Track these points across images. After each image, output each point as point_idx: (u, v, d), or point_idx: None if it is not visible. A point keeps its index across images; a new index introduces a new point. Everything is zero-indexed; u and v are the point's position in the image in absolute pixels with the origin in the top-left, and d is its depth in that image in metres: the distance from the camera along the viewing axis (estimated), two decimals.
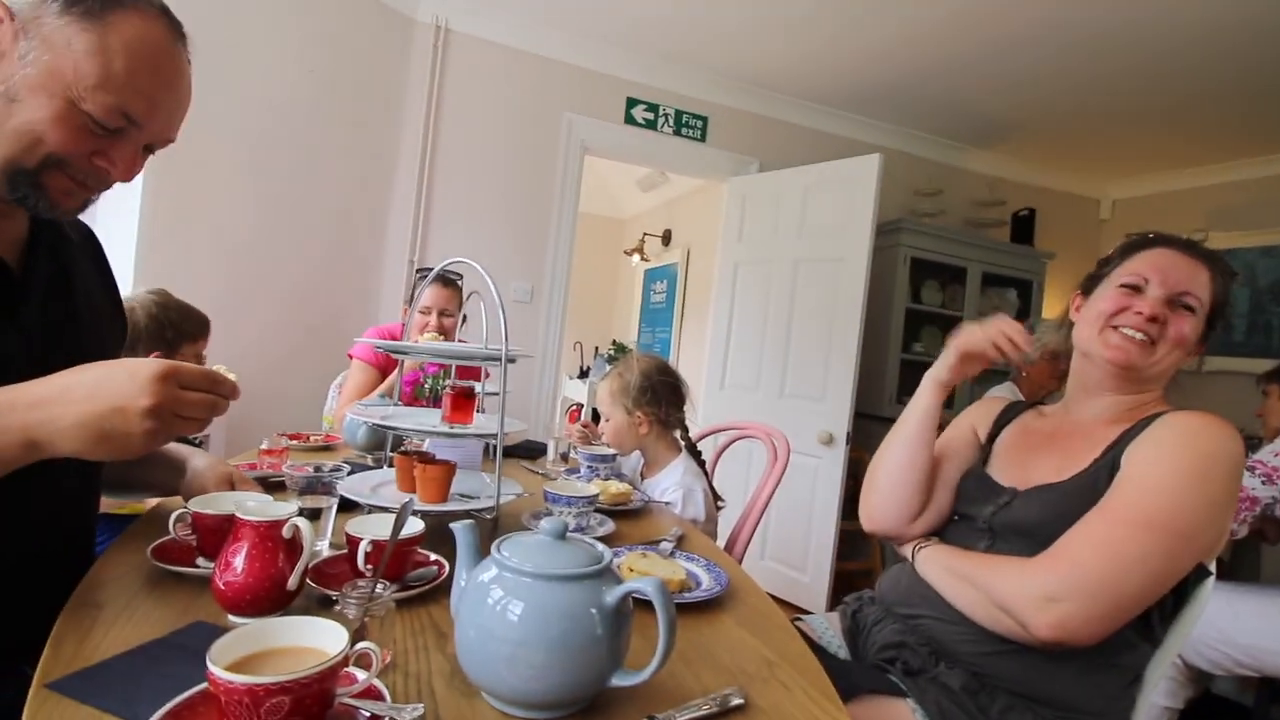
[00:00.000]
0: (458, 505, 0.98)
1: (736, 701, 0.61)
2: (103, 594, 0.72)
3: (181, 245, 2.21)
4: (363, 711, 0.51)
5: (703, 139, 3.32)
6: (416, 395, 1.75)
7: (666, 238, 5.29)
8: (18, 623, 0.71)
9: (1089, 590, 0.78)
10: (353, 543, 0.77)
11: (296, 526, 0.69)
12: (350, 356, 2.12)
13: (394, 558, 0.75)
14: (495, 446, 1.01)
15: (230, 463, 1.00)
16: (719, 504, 1.63)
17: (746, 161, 3.39)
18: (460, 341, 1.95)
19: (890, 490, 1.06)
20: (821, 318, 2.95)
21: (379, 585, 0.63)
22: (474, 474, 1.18)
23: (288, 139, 2.47)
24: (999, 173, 3.95)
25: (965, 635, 0.91)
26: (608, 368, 1.82)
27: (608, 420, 1.64)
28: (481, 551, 0.64)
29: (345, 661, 0.48)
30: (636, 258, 5.59)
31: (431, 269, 1.33)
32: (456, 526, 0.65)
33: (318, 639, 0.51)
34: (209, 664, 0.44)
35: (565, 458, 1.77)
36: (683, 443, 1.66)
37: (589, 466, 1.45)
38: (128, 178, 0.72)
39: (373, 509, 0.95)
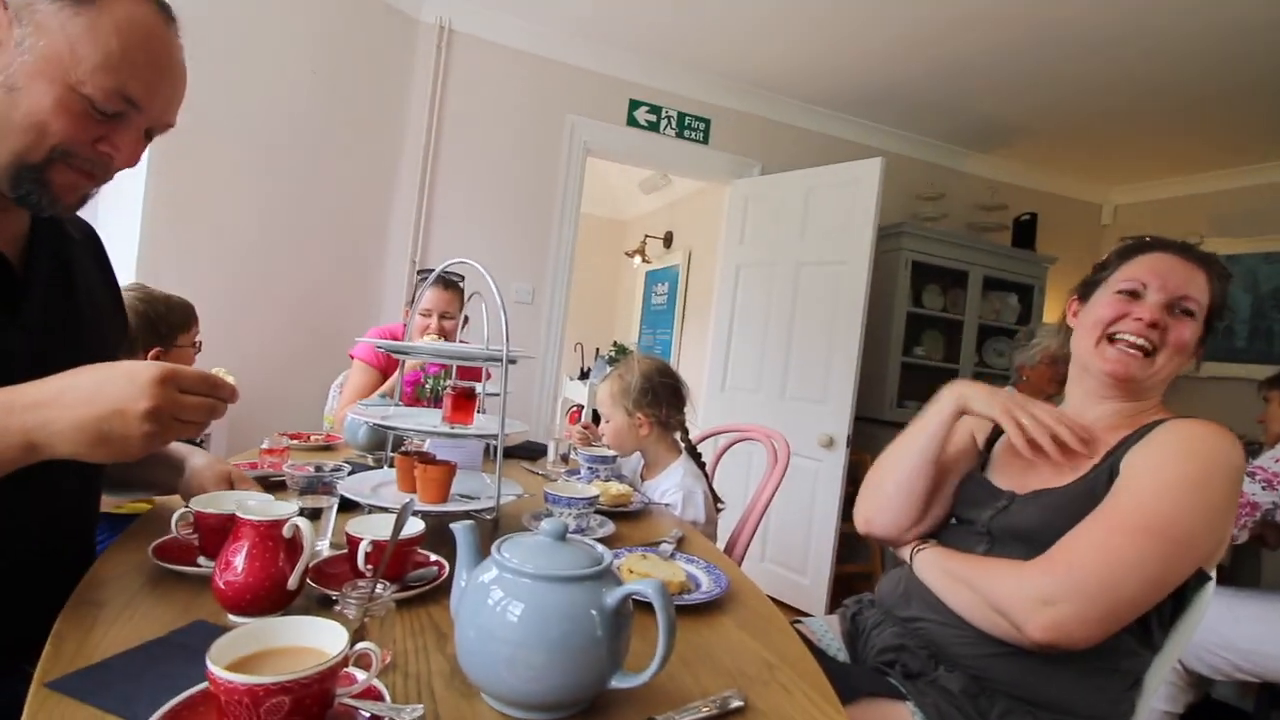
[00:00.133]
0: (458, 506, 0.98)
1: (736, 704, 0.61)
2: (103, 593, 0.72)
3: (183, 244, 2.22)
4: (363, 712, 0.51)
5: (705, 141, 3.32)
6: (418, 396, 1.75)
7: (668, 240, 5.30)
8: (19, 622, 0.71)
9: (1084, 593, 0.78)
10: (353, 543, 0.77)
11: (297, 526, 0.69)
12: (351, 357, 2.13)
13: (394, 558, 0.75)
14: (495, 447, 1.01)
15: (230, 462, 1.00)
16: (719, 506, 1.63)
17: (749, 164, 3.40)
18: (461, 343, 1.95)
19: (895, 497, 1.05)
20: (823, 321, 2.95)
21: (379, 585, 0.63)
22: (474, 474, 1.18)
23: (290, 139, 2.48)
24: (1001, 177, 3.95)
25: (964, 638, 0.91)
26: (608, 369, 1.82)
27: (608, 421, 1.64)
28: (482, 552, 0.64)
29: (345, 662, 0.48)
30: (638, 259, 5.59)
31: (433, 270, 1.33)
32: (457, 527, 0.65)
33: (318, 639, 0.51)
34: (209, 664, 0.44)
35: (565, 459, 1.77)
36: (683, 445, 1.66)
37: (589, 468, 1.45)
38: (131, 162, 0.73)
39: (373, 509, 0.95)
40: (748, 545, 1.56)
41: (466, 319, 2.17)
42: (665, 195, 5.26)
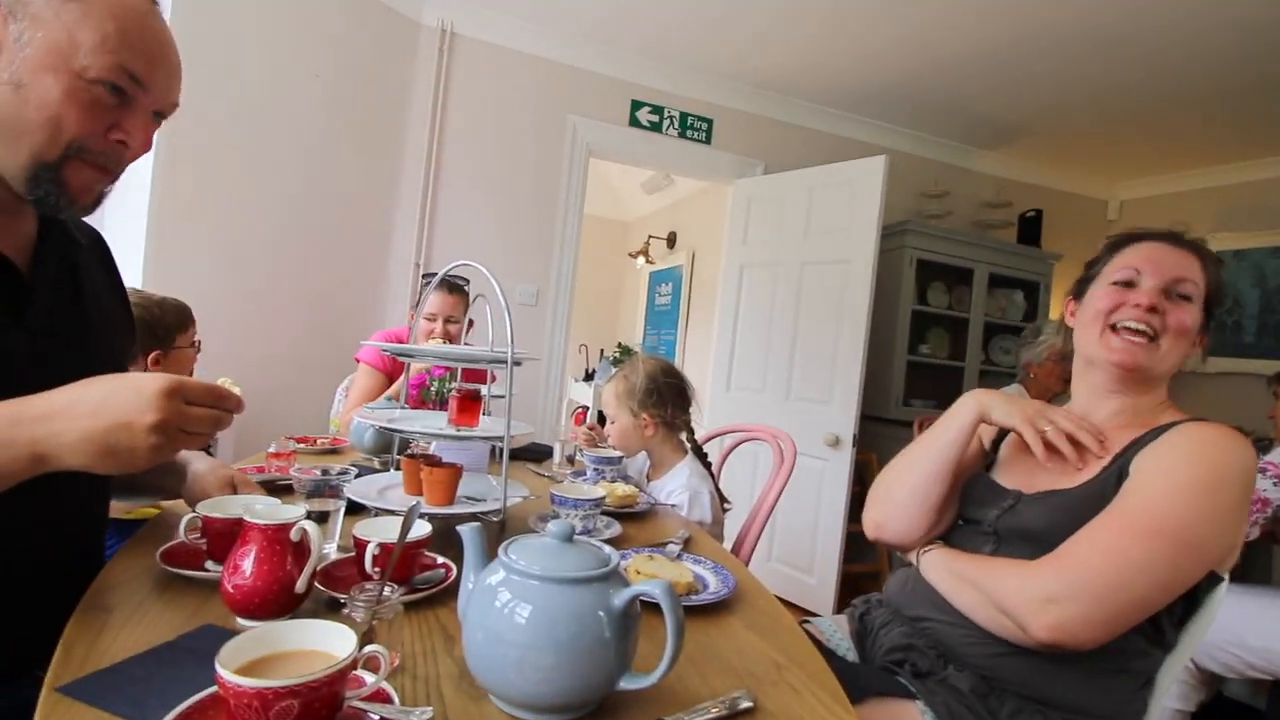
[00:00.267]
0: (464, 508, 0.98)
1: (745, 704, 0.61)
2: (112, 598, 0.72)
3: (189, 249, 2.23)
4: (372, 715, 0.51)
5: (708, 141, 3.32)
6: (423, 399, 1.75)
7: (671, 240, 5.30)
8: (30, 627, 0.71)
9: (1091, 594, 0.77)
10: (360, 545, 0.77)
11: (304, 530, 0.69)
12: (357, 360, 2.13)
13: (401, 560, 0.75)
14: (501, 449, 1.01)
15: (236, 466, 1.01)
16: (725, 506, 1.62)
17: (752, 163, 3.39)
18: (466, 345, 1.95)
19: (907, 506, 1.03)
20: (827, 320, 2.95)
21: (387, 588, 0.63)
22: (480, 476, 1.18)
23: (294, 143, 2.49)
24: (1006, 174, 3.94)
25: (972, 638, 0.90)
26: (613, 370, 1.82)
27: (613, 422, 1.63)
28: (489, 554, 0.64)
29: (354, 665, 0.48)
30: (641, 260, 5.59)
31: (436, 273, 1.33)
32: (464, 529, 0.65)
33: (326, 642, 0.51)
34: (218, 667, 0.44)
35: (571, 460, 1.76)
36: (688, 445, 1.66)
37: (595, 469, 1.45)
38: (145, 148, 0.74)
39: (380, 512, 0.95)
40: (754, 545, 1.56)
41: (471, 322, 2.18)
42: (668, 195, 5.26)
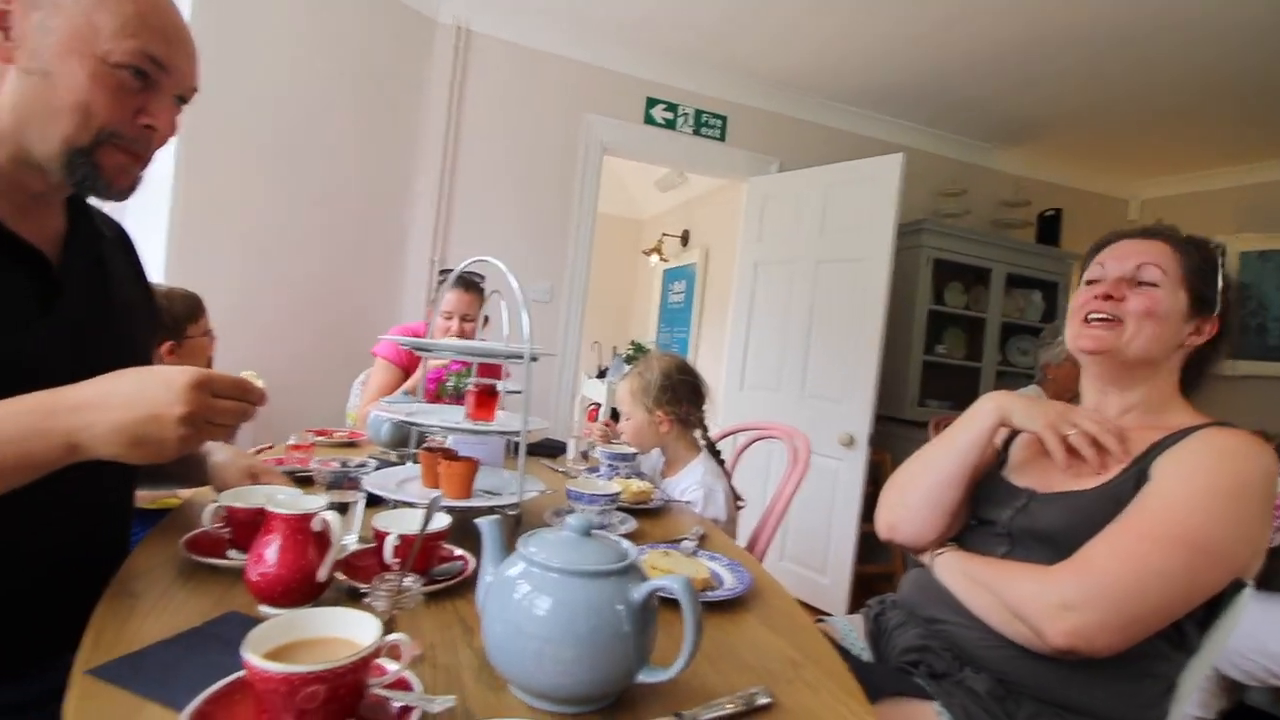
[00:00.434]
0: (481, 501, 0.99)
1: (763, 701, 0.61)
2: (139, 584, 0.73)
3: (210, 246, 2.26)
4: (394, 702, 0.51)
5: (722, 138, 3.31)
6: (439, 393, 1.77)
7: (685, 238, 5.29)
8: (60, 612, 0.73)
9: (1108, 600, 0.76)
10: (380, 536, 0.77)
11: (326, 520, 0.70)
12: (374, 355, 2.15)
13: (421, 552, 0.76)
14: (516, 444, 1.01)
15: (257, 456, 1.02)
16: (739, 504, 1.62)
17: (766, 161, 3.38)
18: (482, 341, 1.96)
19: (921, 508, 1.02)
20: (842, 319, 2.93)
21: (407, 578, 0.64)
22: (495, 471, 1.19)
23: (311, 140, 2.51)
24: (1024, 172, 3.89)
25: (988, 640, 0.89)
26: (626, 367, 1.82)
27: (628, 419, 1.64)
28: (507, 547, 0.64)
29: (378, 652, 0.49)
30: (655, 258, 5.59)
31: (453, 269, 1.34)
32: (482, 522, 0.65)
33: (348, 630, 0.52)
34: (245, 653, 0.45)
35: (586, 456, 1.77)
36: (703, 442, 1.66)
37: (609, 465, 1.45)
38: (171, 131, 0.75)
39: (398, 504, 0.96)
40: (768, 544, 1.56)
41: (486, 319, 2.19)
42: (682, 193, 5.25)
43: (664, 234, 5.52)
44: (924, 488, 1.03)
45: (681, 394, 1.60)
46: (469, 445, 1.19)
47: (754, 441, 1.87)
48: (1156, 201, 4.11)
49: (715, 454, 1.66)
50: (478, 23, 2.86)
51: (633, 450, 1.51)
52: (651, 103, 3.18)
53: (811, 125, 3.45)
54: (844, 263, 2.95)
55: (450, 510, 0.90)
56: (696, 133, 3.26)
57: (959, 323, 3.55)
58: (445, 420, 1.07)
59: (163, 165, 2.01)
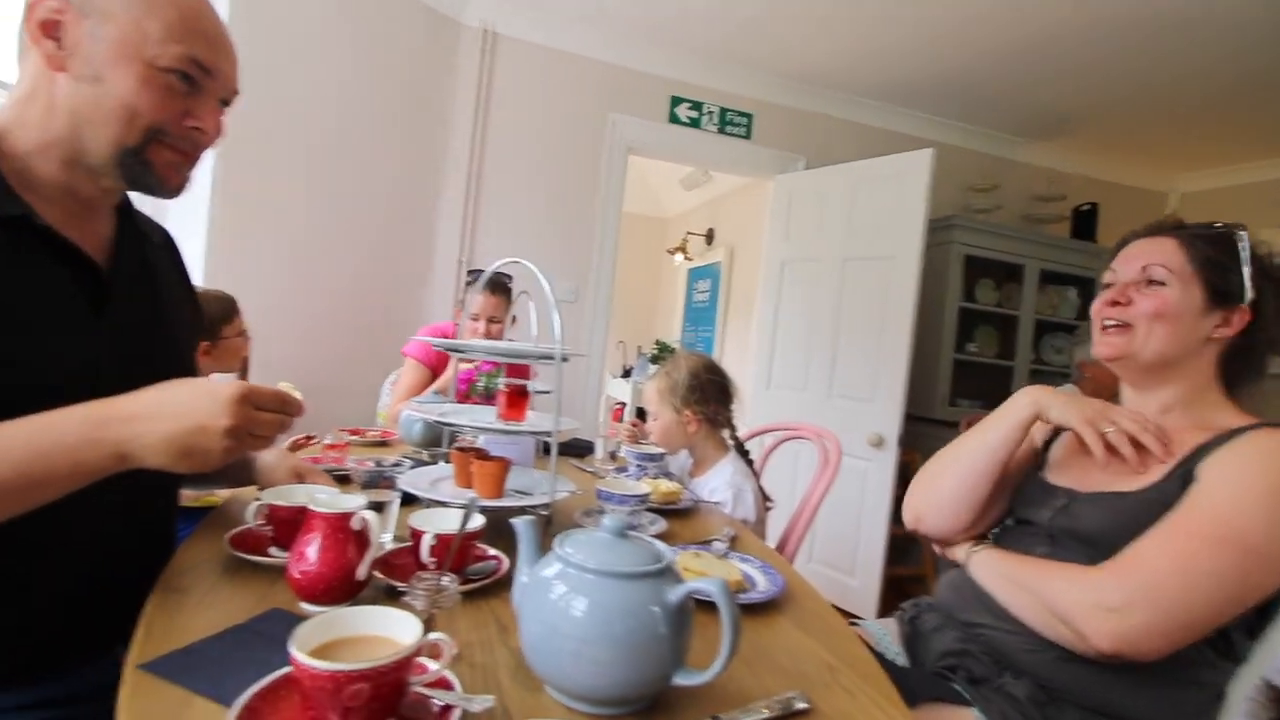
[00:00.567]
0: (513, 501, 0.99)
1: (800, 705, 0.61)
2: (186, 580, 0.75)
3: (247, 249, 2.31)
4: (435, 701, 0.52)
5: (748, 136, 3.29)
6: (470, 393, 1.79)
7: (710, 236, 5.27)
8: (111, 607, 0.75)
9: (1155, 603, 0.74)
10: (416, 535, 0.78)
11: (365, 519, 0.72)
12: (404, 354, 2.18)
13: (457, 551, 0.76)
14: (547, 444, 1.02)
15: (305, 446, 1.04)
16: (768, 505, 1.61)
17: (792, 158, 3.35)
18: (510, 341, 1.98)
19: (950, 499, 1.02)
20: (871, 317, 2.89)
21: (445, 578, 0.65)
22: (526, 471, 1.20)
23: (342, 144, 2.55)
24: (1059, 166, 3.80)
25: (1030, 645, 0.88)
26: (651, 367, 1.82)
27: (656, 419, 1.64)
28: (542, 548, 0.64)
29: (419, 651, 0.50)
30: (680, 257, 5.58)
31: (481, 270, 1.35)
32: (518, 522, 0.66)
33: (388, 628, 0.53)
34: (293, 650, 0.46)
35: (613, 456, 1.77)
36: (731, 442, 1.65)
37: (638, 465, 1.45)
38: (217, 132, 0.78)
39: (431, 503, 0.97)
40: (798, 546, 1.54)
41: (514, 319, 2.20)
42: (707, 192, 5.23)
43: (689, 232, 5.51)
44: (953, 479, 1.02)
45: (710, 393, 1.59)
46: (500, 445, 1.20)
47: (783, 442, 1.86)
48: (1196, 195, 3.98)
49: (744, 454, 1.65)
50: (503, 25, 2.89)
51: (660, 450, 1.51)
52: (676, 101, 3.17)
53: (838, 121, 3.41)
54: (872, 260, 2.91)
55: (483, 510, 0.91)
56: (721, 131, 3.25)
57: (991, 320, 3.48)
58: (478, 420, 1.09)
59: (202, 170, 2.06)
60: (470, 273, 2.76)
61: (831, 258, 3.07)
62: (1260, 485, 0.78)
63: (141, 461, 0.64)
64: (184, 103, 0.73)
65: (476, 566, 0.84)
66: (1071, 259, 3.45)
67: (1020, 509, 1.02)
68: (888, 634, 1.10)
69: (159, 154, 0.74)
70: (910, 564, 3.14)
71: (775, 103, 3.30)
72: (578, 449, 1.85)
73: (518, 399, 1.10)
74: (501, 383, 1.11)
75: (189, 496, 1.27)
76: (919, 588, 3.13)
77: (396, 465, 1.10)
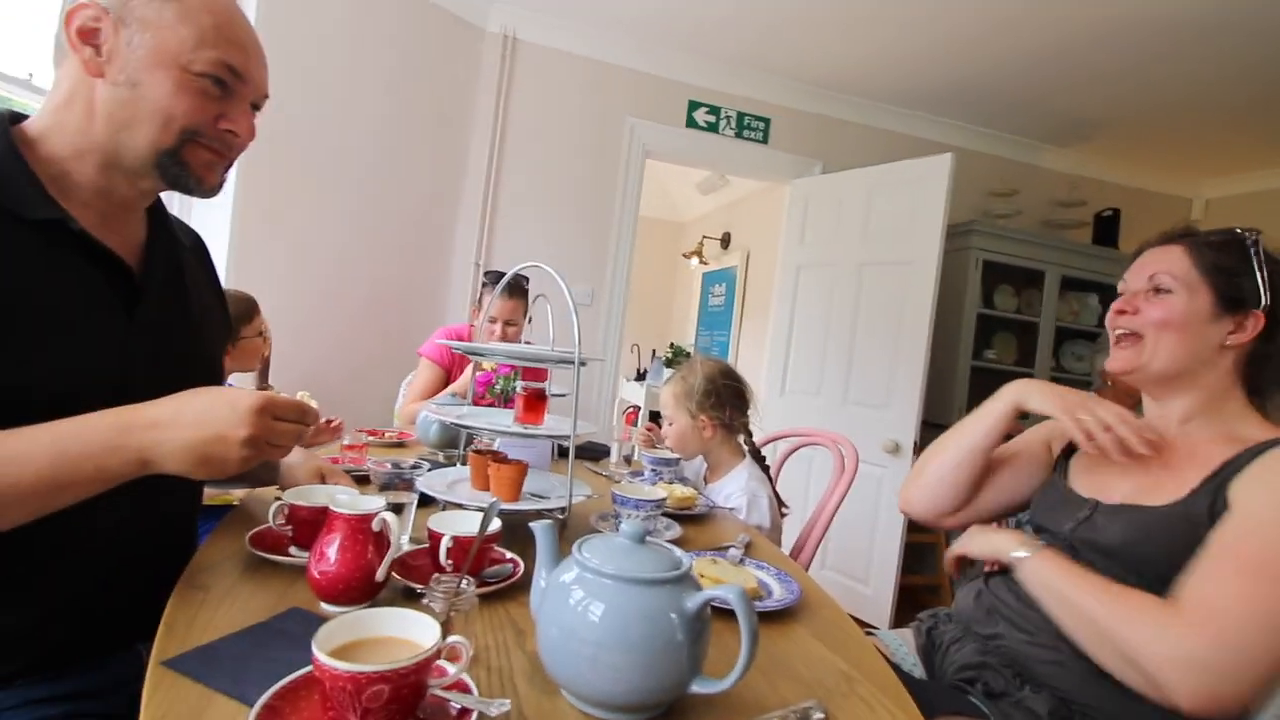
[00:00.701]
0: (530, 505, 1.00)
1: (818, 716, 0.60)
2: (207, 578, 0.76)
3: (269, 253, 2.34)
4: (453, 704, 0.52)
5: (765, 141, 3.28)
6: (486, 395, 1.80)
7: (725, 240, 5.26)
8: (133, 604, 0.76)
9: (1246, 662, 0.69)
10: (434, 538, 0.79)
11: (385, 520, 0.72)
12: (420, 355, 2.20)
13: (475, 554, 0.77)
14: (564, 447, 1.02)
15: (319, 455, 1.05)
16: (783, 511, 1.60)
17: (809, 163, 3.34)
18: (526, 344, 1.99)
19: (933, 484, 1.08)
20: (887, 322, 2.87)
21: (463, 581, 0.65)
22: (542, 474, 1.20)
23: (364, 148, 2.58)
24: (1080, 171, 3.75)
25: (1051, 658, 0.86)
26: (665, 371, 1.82)
27: (671, 424, 1.63)
28: (560, 552, 0.65)
29: (439, 653, 0.50)
30: (695, 260, 5.57)
31: (495, 271, 1.36)
32: (536, 526, 0.66)
33: (406, 630, 0.53)
34: (315, 651, 0.46)
35: (629, 460, 1.77)
36: (747, 448, 1.65)
37: (653, 470, 1.45)
38: (250, 135, 0.80)
39: (448, 505, 0.97)
40: (814, 553, 1.53)
41: (530, 319, 2.21)
42: (723, 196, 5.23)
43: (704, 236, 5.50)
44: (937, 464, 1.09)
45: (725, 399, 1.59)
46: (517, 448, 1.20)
47: (799, 448, 1.85)
48: (1221, 201, 3.91)
49: (759, 460, 1.64)
50: (524, 31, 2.91)
51: (676, 455, 1.50)
52: (694, 105, 3.17)
53: (856, 126, 3.39)
54: (889, 265, 2.88)
55: (501, 513, 0.91)
56: (739, 135, 3.24)
57: (1010, 327, 3.44)
58: (495, 423, 1.09)
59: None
60: (486, 274, 2.78)
61: (848, 262, 3.05)
62: None
63: (162, 468, 0.65)
64: (218, 106, 0.75)
65: (493, 570, 0.84)
66: (1093, 265, 3.40)
67: (1039, 515, 1.01)
68: (903, 644, 1.09)
69: (195, 154, 0.76)
70: (925, 573, 3.11)
71: (793, 107, 3.29)
72: (593, 452, 1.85)
73: (536, 402, 1.10)
74: (519, 386, 1.12)
75: (207, 495, 1.29)
76: (933, 597, 3.10)
77: (414, 467, 1.10)
